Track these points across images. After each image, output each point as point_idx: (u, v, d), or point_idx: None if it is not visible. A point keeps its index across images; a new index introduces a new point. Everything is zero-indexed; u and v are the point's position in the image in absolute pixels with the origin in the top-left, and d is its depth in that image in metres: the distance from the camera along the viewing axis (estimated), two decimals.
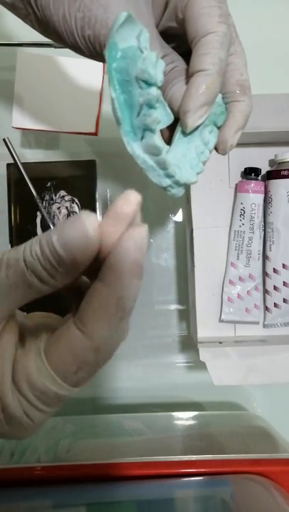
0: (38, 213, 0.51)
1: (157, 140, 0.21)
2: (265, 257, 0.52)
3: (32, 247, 0.17)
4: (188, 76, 0.24)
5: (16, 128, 0.49)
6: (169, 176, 0.22)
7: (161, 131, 0.24)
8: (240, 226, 0.51)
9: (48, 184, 0.52)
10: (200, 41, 0.23)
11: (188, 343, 0.56)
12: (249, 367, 0.45)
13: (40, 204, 0.51)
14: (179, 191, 0.24)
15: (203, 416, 0.50)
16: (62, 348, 0.18)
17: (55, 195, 0.49)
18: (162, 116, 0.23)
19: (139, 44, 0.21)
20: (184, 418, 0.49)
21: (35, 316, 0.24)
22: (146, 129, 0.20)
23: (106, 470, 0.36)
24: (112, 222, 0.18)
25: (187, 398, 0.56)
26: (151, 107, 0.20)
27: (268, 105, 0.44)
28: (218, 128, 0.25)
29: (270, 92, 0.44)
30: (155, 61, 0.20)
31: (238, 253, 0.52)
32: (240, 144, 0.54)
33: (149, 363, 0.56)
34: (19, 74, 0.48)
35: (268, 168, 0.53)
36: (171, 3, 0.25)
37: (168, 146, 0.23)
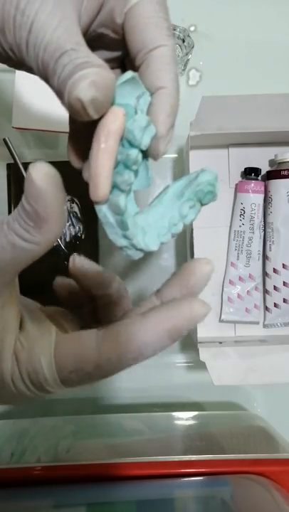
0: None
1: (122, 200, 0.20)
2: (265, 257, 0.52)
3: (7, 220, 0.18)
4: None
5: (16, 128, 0.49)
6: (126, 237, 0.21)
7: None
8: (240, 226, 0.51)
9: None
10: (151, 55, 0.21)
11: (189, 343, 0.56)
12: (249, 367, 0.45)
13: None
14: (135, 254, 0.23)
15: (203, 416, 0.50)
16: (72, 346, 0.20)
17: None
18: (140, 179, 0.23)
19: (137, 104, 0.20)
20: (184, 418, 0.49)
21: (51, 310, 0.26)
22: (115, 186, 0.20)
23: (106, 470, 0.36)
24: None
25: (187, 398, 0.56)
26: (126, 167, 0.20)
27: (268, 105, 0.44)
28: (202, 205, 0.24)
29: (270, 92, 0.44)
30: (144, 126, 0.20)
31: (238, 253, 0.52)
32: (240, 144, 0.54)
33: (149, 363, 0.55)
34: (19, 74, 0.48)
35: (268, 168, 0.53)
36: (106, 6, 0.22)
37: (138, 208, 0.23)
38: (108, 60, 0.25)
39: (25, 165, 0.52)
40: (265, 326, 0.53)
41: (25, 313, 0.22)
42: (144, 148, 0.20)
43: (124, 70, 0.25)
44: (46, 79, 0.19)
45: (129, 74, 0.20)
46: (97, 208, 0.21)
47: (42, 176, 0.17)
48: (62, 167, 0.20)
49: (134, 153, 0.20)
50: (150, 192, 0.56)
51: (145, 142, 0.20)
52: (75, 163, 0.23)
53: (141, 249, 0.22)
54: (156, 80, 0.21)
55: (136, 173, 0.21)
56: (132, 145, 0.20)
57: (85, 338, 0.21)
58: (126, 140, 0.20)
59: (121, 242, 0.22)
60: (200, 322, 0.19)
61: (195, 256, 0.50)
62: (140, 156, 0.21)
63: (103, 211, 0.21)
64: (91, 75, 0.17)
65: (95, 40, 0.24)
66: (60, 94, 0.18)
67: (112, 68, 0.25)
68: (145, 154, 0.22)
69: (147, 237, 0.22)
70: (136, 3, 0.21)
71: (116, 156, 0.20)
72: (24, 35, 0.19)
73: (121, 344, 0.19)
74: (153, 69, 0.21)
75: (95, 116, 0.18)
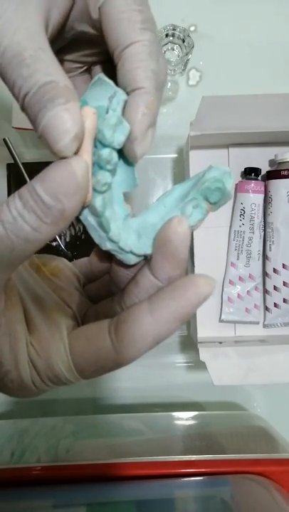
0: None
1: (98, 202, 0.19)
2: (265, 257, 0.52)
3: (10, 205, 0.16)
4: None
5: (16, 128, 0.49)
6: (111, 240, 0.21)
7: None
8: (240, 226, 0.51)
9: None
10: (124, 53, 0.20)
11: (189, 343, 0.56)
12: (249, 367, 0.45)
13: None
14: (128, 258, 0.21)
15: (203, 416, 0.50)
16: (88, 350, 0.20)
17: None
18: (127, 180, 0.22)
19: (109, 105, 0.20)
20: (184, 418, 0.49)
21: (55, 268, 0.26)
22: (92, 188, 0.19)
23: (106, 470, 0.36)
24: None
25: (187, 398, 0.56)
26: (100, 167, 0.20)
27: (268, 105, 0.44)
28: (211, 204, 0.22)
29: (270, 92, 0.44)
30: (114, 123, 0.19)
31: (238, 253, 0.52)
32: (240, 144, 0.54)
33: (149, 363, 0.56)
34: None
35: (268, 168, 0.53)
36: (79, 1, 0.21)
37: (128, 210, 0.22)
38: (92, 55, 0.24)
39: (25, 165, 0.52)
40: (265, 326, 0.53)
41: (33, 309, 0.22)
42: (117, 146, 0.20)
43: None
44: (6, 84, 0.18)
45: (96, 76, 0.19)
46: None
47: (84, 173, 0.15)
48: None
49: (106, 153, 0.19)
50: (150, 192, 0.56)
51: (118, 140, 0.19)
52: None
53: (131, 252, 0.21)
54: (132, 80, 0.20)
55: (112, 173, 0.20)
56: (104, 145, 0.19)
57: (100, 339, 0.20)
58: (98, 140, 0.19)
59: (106, 245, 0.21)
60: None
61: (195, 256, 0.50)
62: (115, 155, 0.20)
63: (84, 214, 0.20)
64: (68, 122, 0.16)
65: (77, 38, 0.22)
66: (26, 111, 0.17)
67: (97, 64, 0.25)
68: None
69: (142, 240, 0.22)
70: None
71: (91, 157, 0.19)
72: None
73: (137, 341, 0.19)
74: (128, 68, 0.20)
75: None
